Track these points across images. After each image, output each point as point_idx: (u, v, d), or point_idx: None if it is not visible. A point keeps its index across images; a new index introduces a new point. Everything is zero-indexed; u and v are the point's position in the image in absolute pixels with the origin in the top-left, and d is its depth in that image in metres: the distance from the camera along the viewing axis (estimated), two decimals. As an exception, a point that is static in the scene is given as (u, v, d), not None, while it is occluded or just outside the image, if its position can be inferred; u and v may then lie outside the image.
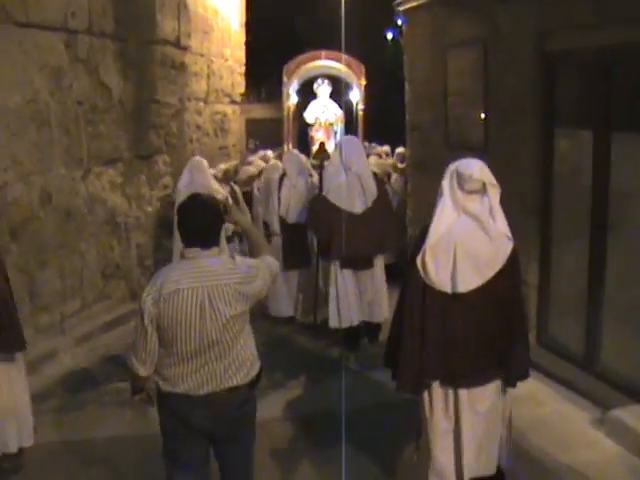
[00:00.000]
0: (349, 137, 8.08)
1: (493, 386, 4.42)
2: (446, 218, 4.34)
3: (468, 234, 4.30)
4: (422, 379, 4.39)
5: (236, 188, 8.92)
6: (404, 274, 4.62)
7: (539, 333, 7.22)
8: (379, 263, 7.74)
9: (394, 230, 7.87)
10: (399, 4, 9.93)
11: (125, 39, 9.34)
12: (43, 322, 7.68)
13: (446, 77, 8.69)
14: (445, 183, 4.37)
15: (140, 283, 9.42)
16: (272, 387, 6.81)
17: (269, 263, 4.00)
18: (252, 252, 4.22)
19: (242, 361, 3.84)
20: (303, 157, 9.37)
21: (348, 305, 7.58)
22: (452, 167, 4.39)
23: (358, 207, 7.47)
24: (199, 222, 3.79)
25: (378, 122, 12.67)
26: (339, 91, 20.47)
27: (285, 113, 20.14)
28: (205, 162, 8.71)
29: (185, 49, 11.14)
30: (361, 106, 19.85)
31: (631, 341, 6.02)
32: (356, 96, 19.97)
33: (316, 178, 8.49)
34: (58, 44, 7.95)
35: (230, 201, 4.46)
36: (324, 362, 7.71)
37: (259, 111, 22.58)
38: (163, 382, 3.82)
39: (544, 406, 6.17)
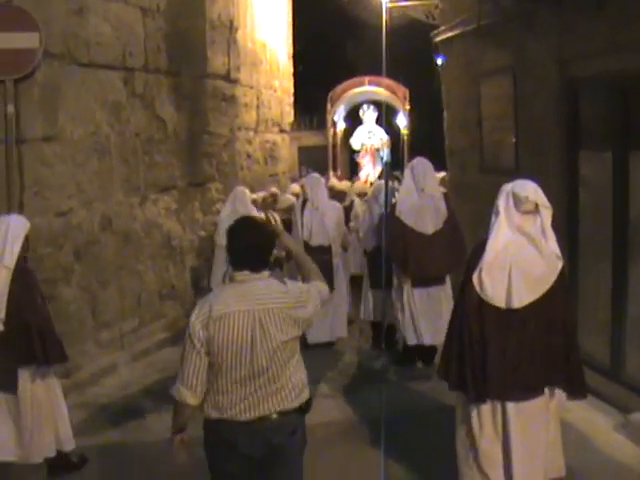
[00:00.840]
0: (420, 159, 7.99)
1: (542, 401, 4.49)
2: (502, 237, 4.48)
3: (522, 252, 4.43)
4: (477, 389, 4.46)
5: (275, 215, 9.11)
6: (459, 290, 4.78)
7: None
8: (449, 283, 7.88)
9: (463, 250, 7.62)
10: (436, 35, 10.42)
11: (178, 74, 9.96)
12: (104, 338, 8.25)
13: (480, 104, 9.18)
14: (501, 203, 4.52)
15: (194, 304, 9.92)
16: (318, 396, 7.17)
17: (319, 289, 3.94)
18: (303, 277, 4.14)
19: (292, 387, 3.73)
20: (323, 180, 9.59)
21: (420, 323, 7.71)
22: (507, 188, 4.54)
23: (430, 228, 7.59)
24: (250, 244, 3.72)
25: (424, 147, 12.98)
26: (386, 117, 20.58)
27: (330, 140, 20.12)
28: (248, 192, 9.03)
29: (235, 82, 11.77)
30: (404, 131, 19.92)
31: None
32: (402, 121, 20.05)
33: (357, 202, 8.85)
34: (117, 81, 8.58)
35: (280, 226, 4.40)
36: (367, 374, 8.18)
37: (311, 138, 22.77)
38: (211, 409, 3.70)
39: (571, 412, 6.47)
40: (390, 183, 8.67)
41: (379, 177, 17.17)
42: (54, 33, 7.35)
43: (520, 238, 4.45)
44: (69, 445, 5.65)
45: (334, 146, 20.76)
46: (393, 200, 8.23)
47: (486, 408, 4.49)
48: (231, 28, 11.47)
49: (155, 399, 7.30)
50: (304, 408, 3.82)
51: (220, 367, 3.61)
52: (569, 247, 7.45)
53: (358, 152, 21.00)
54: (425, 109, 16.48)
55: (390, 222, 7.79)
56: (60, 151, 7.50)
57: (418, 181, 7.69)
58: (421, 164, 7.89)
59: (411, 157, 18.68)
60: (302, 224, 8.76)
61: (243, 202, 8.78)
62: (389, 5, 13.41)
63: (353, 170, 21.42)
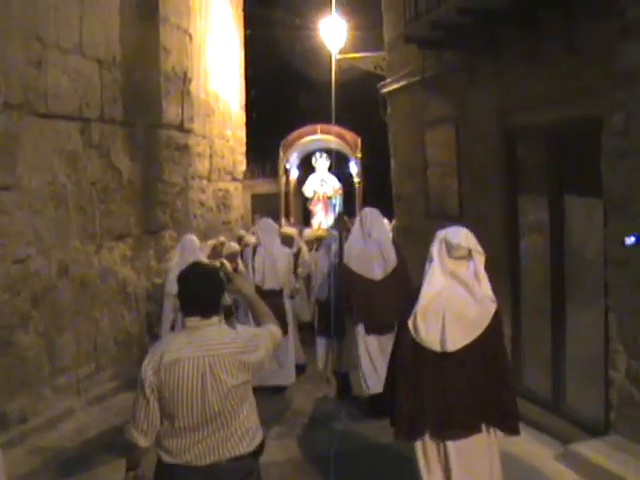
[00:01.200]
0: (369, 208, 8.07)
1: (480, 438, 4.58)
2: (436, 282, 4.57)
3: (456, 297, 4.53)
4: (416, 428, 4.57)
5: (224, 262, 8.94)
6: (395, 334, 4.89)
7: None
8: None
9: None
10: (383, 86, 10.81)
11: (133, 124, 10.19)
12: (61, 383, 8.33)
13: (425, 152, 9.52)
14: (434, 250, 4.62)
15: (148, 349, 10.03)
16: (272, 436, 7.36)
17: (272, 332, 3.98)
18: (256, 321, 4.19)
19: (245, 430, 3.77)
20: (275, 225, 9.70)
21: (380, 370, 7.30)
22: (441, 235, 4.65)
23: (378, 274, 7.63)
24: (200, 290, 3.76)
25: (376, 194, 13.27)
26: (338, 164, 20.85)
27: (282, 188, 20.35)
28: (196, 240, 8.99)
29: (188, 132, 11.99)
30: (356, 179, 20.23)
31: (590, 384, 6.67)
32: (354, 169, 20.34)
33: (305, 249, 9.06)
34: (74, 131, 8.77)
35: (231, 270, 4.52)
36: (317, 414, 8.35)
37: (264, 186, 22.81)
38: (164, 454, 3.73)
39: (515, 444, 6.72)
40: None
41: (333, 227, 17.43)
42: (13, 84, 7.56)
43: (453, 283, 4.57)
44: None
45: (287, 194, 20.98)
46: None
47: (431, 448, 4.59)
48: (185, 80, 11.73)
49: (110, 446, 7.15)
50: (257, 451, 3.85)
51: (172, 412, 3.63)
52: (511, 287, 7.81)
53: (311, 200, 21.31)
54: (377, 157, 16.80)
55: (340, 270, 7.90)
56: (18, 199, 7.64)
57: (365, 227, 7.80)
58: (370, 212, 7.99)
59: (364, 204, 19.11)
60: (254, 268, 8.83)
61: (191, 250, 8.70)
62: (338, 57, 13.90)
63: (306, 217, 21.67)
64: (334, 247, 8.58)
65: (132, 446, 3.75)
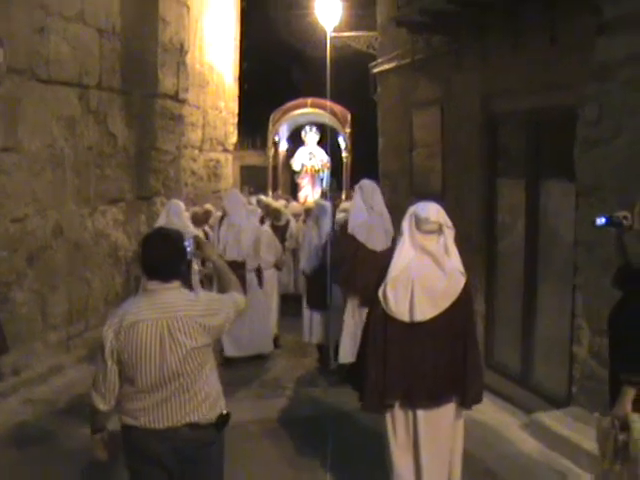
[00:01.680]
0: (367, 180, 8.03)
1: (449, 408, 4.74)
2: (405, 255, 4.70)
3: (425, 269, 4.65)
4: (384, 400, 4.71)
5: (206, 231, 9.48)
6: (369, 306, 5.03)
7: (486, 356, 8.21)
8: None
9: None
10: (374, 66, 11.11)
11: (130, 93, 10.49)
12: (52, 339, 8.68)
13: (411, 132, 9.81)
14: (405, 224, 4.75)
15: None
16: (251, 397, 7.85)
17: (235, 299, 4.01)
18: (221, 287, 4.24)
19: (205, 396, 3.78)
20: (242, 197, 9.74)
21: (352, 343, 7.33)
22: (411, 210, 4.79)
23: (379, 245, 7.59)
24: (159, 254, 3.77)
25: (364, 170, 13.45)
26: (328, 139, 20.79)
27: (270, 160, 20.36)
28: (182, 205, 9.10)
29: (183, 102, 12.30)
30: (344, 154, 20.14)
31: (556, 359, 7.06)
32: (343, 144, 20.22)
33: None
34: (73, 97, 9.08)
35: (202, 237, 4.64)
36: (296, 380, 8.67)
37: (253, 158, 23.00)
38: (124, 416, 3.76)
39: (484, 414, 7.12)
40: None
41: (325, 196, 17.52)
42: (17, 50, 7.86)
43: (423, 256, 4.70)
44: None
45: (275, 166, 20.96)
46: (339, 219, 8.57)
47: (399, 417, 4.76)
48: (181, 51, 12.02)
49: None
50: (219, 424, 3.86)
51: (131, 375, 3.67)
52: (487, 265, 8.16)
53: (299, 173, 21.28)
54: (366, 133, 17.01)
55: (342, 239, 7.88)
56: (18, 161, 7.96)
57: (366, 200, 7.76)
58: (369, 184, 7.95)
59: (351, 179, 19.23)
60: (218, 239, 8.93)
61: (177, 214, 8.78)
62: (332, 35, 14.16)
63: (294, 190, 21.66)
64: (324, 219, 8.74)
65: (93, 409, 3.81)
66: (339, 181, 20.58)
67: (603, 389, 4.83)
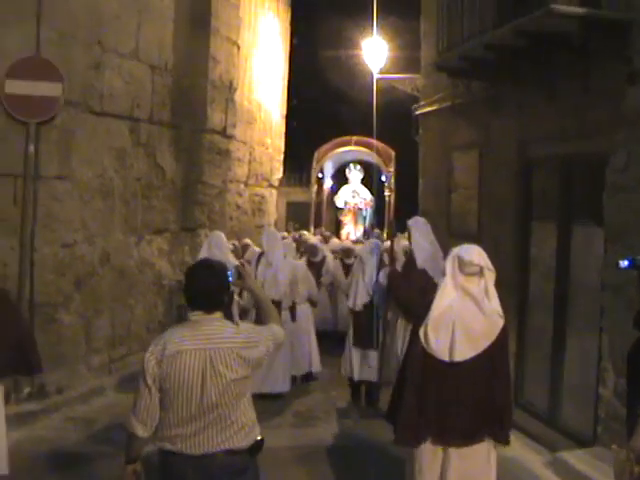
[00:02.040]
0: (418, 217, 7.96)
1: (481, 447, 4.81)
2: (447, 296, 4.80)
3: (465, 311, 4.75)
4: (417, 435, 4.80)
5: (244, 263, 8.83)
6: (409, 343, 5.17)
7: (516, 394, 8.38)
8: None
9: None
10: (416, 108, 11.42)
11: (179, 127, 10.91)
12: (94, 362, 9.01)
13: (450, 174, 10.09)
14: (448, 265, 4.85)
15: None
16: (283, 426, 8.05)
17: (274, 332, 4.04)
18: (261, 319, 4.28)
19: (241, 425, 3.84)
20: (279, 234, 9.88)
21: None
22: (454, 251, 4.88)
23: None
24: (202, 285, 3.85)
25: (405, 209, 13.64)
26: (372, 177, 20.93)
27: (313, 197, 20.57)
28: (224, 237, 9.14)
29: (230, 137, 12.66)
30: (387, 192, 20.38)
31: (583, 400, 7.20)
32: (386, 183, 20.49)
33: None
34: (124, 130, 9.52)
35: (245, 268, 4.61)
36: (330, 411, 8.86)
37: (299, 194, 23.12)
38: (162, 442, 3.81)
39: (511, 450, 7.19)
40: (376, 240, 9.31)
41: (365, 237, 17.66)
42: (74, 84, 8.31)
43: (464, 297, 4.78)
44: (4, 470, 5.47)
45: (319, 203, 21.22)
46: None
47: (427, 453, 4.83)
48: (230, 88, 12.40)
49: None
50: (253, 449, 3.91)
51: (172, 403, 3.72)
52: (519, 307, 8.34)
53: (341, 210, 21.68)
54: (409, 173, 17.22)
55: (413, 273, 7.47)
56: (70, 189, 8.37)
57: (428, 235, 7.57)
58: (421, 221, 7.77)
59: (397, 217, 19.18)
60: (255, 276, 8.73)
61: (218, 246, 8.82)
62: (378, 76, 14.55)
63: (338, 227, 21.97)
64: (372, 257, 8.68)
65: (131, 435, 3.85)
66: (380, 219, 20.69)
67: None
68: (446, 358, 4.71)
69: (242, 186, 13.88)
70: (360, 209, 21.67)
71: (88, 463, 6.78)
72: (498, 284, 6.78)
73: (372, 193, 21.70)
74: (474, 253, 4.84)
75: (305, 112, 22.26)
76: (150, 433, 3.82)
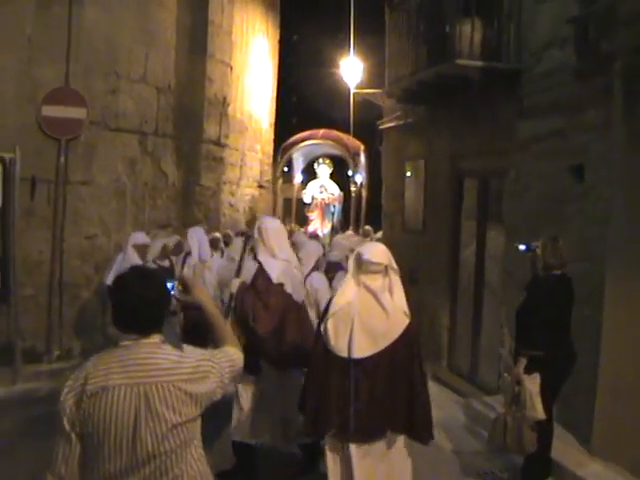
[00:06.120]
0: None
1: (382, 444, 4.76)
2: (348, 292, 4.75)
3: (366, 308, 4.67)
4: (318, 426, 4.83)
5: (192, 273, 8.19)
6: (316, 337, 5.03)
7: (449, 360, 10.36)
8: None
9: None
10: (380, 124, 13.32)
11: (180, 138, 12.63)
12: (109, 332, 10.38)
13: (403, 180, 11.92)
14: (350, 262, 4.89)
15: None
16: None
17: (230, 356, 3.25)
18: (214, 340, 3.43)
19: None
20: (203, 232, 8.97)
21: None
22: (358, 250, 4.87)
23: None
24: (135, 300, 3.02)
25: (376, 207, 14.69)
26: (340, 172, 20.67)
27: (277, 192, 19.78)
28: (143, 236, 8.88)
29: (224, 146, 14.37)
30: (353, 188, 19.88)
31: (493, 359, 9.06)
32: (358, 178, 19.82)
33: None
34: (134, 142, 11.30)
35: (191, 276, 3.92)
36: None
37: (288, 192, 23.32)
38: None
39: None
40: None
41: (334, 233, 17.49)
42: (95, 107, 10.13)
43: (365, 295, 4.70)
44: None
45: (289, 199, 21.21)
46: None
47: (335, 448, 4.84)
48: (224, 104, 14.08)
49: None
50: None
51: (96, 454, 2.93)
52: (451, 288, 10.24)
53: (309, 206, 21.09)
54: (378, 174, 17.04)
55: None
56: (92, 192, 10.21)
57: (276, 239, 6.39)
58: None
59: (368, 214, 18.89)
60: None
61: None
62: (354, 91, 16.48)
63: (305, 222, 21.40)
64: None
65: None
66: (347, 216, 20.51)
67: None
68: (345, 355, 4.65)
69: (234, 187, 15.34)
70: (327, 204, 20.57)
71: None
72: (438, 271, 8.39)
73: (341, 188, 20.93)
74: (375, 252, 4.79)
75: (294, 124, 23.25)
76: None
